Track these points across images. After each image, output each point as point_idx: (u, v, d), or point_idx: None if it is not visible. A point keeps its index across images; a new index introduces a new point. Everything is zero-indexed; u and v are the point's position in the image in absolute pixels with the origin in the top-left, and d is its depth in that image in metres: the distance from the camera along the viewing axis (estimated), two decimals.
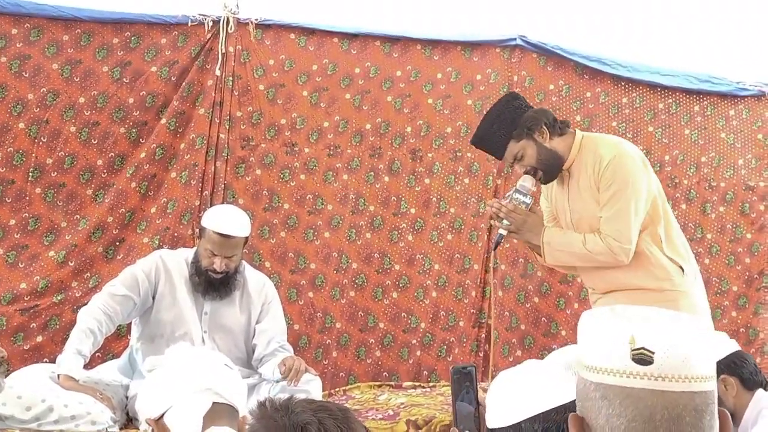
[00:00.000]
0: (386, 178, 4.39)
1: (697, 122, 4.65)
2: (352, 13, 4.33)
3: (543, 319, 4.53)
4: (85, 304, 3.31)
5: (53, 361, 3.24)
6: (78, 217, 3.96)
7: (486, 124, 3.00)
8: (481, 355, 4.46)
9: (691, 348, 1.10)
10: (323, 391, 3.48)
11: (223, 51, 4.09)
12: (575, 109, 4.55)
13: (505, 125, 2.95)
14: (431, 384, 4.11)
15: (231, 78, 4.13)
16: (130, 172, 4.00)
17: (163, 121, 4.05)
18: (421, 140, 4.42)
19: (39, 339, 3.86)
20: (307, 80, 4.27)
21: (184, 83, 4.05)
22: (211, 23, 4.08)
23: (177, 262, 3.40)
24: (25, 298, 3.85)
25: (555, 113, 4.53)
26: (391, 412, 3.28)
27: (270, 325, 3.45)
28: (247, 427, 1.50)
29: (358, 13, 4.33)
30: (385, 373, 4.34)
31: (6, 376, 2.85)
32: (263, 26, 4.20)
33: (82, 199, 3.98)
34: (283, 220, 4.25)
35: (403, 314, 4.39)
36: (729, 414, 1.16)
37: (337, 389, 3.98)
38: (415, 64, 4.41)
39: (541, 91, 4.53)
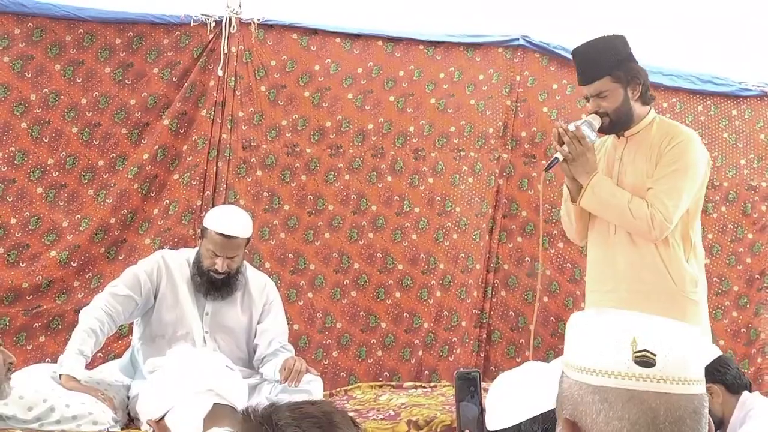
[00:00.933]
0: (389, 178, 4.38)
1: (701, 122, 4.64)
2: (354, 14, 4.32)
3: (551, 318, 4.51)
4: (87, 305, 3.31)
5: (56, 361, 3.23)
6: (79, 217, 3.96)
7: (597, 47, 2.99)
8: (482, 355, 4.46)
9: (688, 350, 1.10)
10: (324, 391, 3.48)
11: (226, 51, 4.08)
12: (578, 108, 4.54)
13: (613, 60, 2.96)
14: (432, 384, 4.10)
15: (233, 78, 4.13)
16: (132, 173, 4.00)
17: (165, 122, 4.05)
18: (423, 140, 4.41)
19: (42, 339, 3.87)
20: (309, 80, 4.27)
21: (186, 84, 4.05)
22: (213, 23, 4.08)
23: (179, 262, 3.40)
24: (28, 297, 3.85)
25: (558, 113, 4.55)
26: (392, 413, 3.27)
27: (271, 326, 3.45)
28: None
29: (360, 14, 4.32)
30: (386, 373, 4.34)
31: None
32: (265, 26, 4.20)
33: (84, 200, 3.98)
34: (283, 221, 4.24)
35: (405, 314, 4.39)
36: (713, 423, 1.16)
37: (338, 389, 3.97)
38: (417, 64, 4.40)
39: (544, 91, 4.52)
